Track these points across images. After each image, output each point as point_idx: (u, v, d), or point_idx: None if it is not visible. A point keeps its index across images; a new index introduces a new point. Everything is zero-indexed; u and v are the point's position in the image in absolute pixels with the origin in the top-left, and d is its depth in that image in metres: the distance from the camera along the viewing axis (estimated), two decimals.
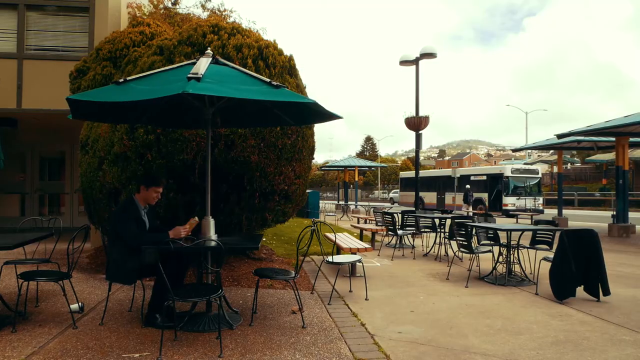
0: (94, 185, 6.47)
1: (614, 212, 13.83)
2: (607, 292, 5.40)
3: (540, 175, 27.29)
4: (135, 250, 4.03)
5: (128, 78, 4.03)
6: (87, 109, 4.28)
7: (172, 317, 4.05)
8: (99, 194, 6.38)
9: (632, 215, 15.94)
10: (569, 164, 48.93)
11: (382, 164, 43.50)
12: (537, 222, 7.58)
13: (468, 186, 25.21)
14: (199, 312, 4.44)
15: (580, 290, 5.53)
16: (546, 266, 5.72)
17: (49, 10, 10.11)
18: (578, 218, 21.98)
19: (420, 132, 13.26)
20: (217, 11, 13.71)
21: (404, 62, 13.42)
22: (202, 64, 3.90)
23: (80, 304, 4.65)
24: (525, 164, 33.76)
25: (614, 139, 13.83)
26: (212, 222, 4.45)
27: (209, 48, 4.76)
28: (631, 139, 14.01)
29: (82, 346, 3.67)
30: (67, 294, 4.43)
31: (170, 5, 12.48)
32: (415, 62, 13.20)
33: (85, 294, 5.37)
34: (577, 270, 5.45)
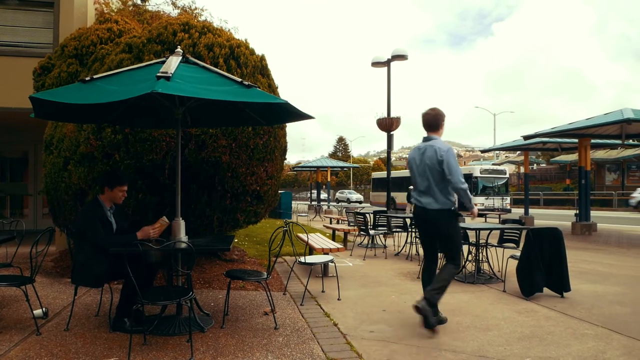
0: (59, 186, 6.28)
1: (577, 211, 14.30)
2: (568, 289, 5.58)
3: (507, 175, 27.99)
4: (102, 253, 3.94)
5: (95, 76, 3.93)
6: (51, 108, 4.15)
7: (141, 321, 3.96)
8: (65, 195, 6.20)
9: (594, 213, 16.55)
10: (534, 165, 50.39)
11: (355, 165, 43.77)
12: (504, 221, 7.78)
13: (411, 187, 26.16)
14: (169, 315, 4.36)
15: (546, 288, 5.70)
16: (513, 264, 5.87)
17: (11, 4, 9.75)
18: (543, 217, 22.64)
19: (391, 132, 13.41)
20: (188, 9, 13.53)
21: (375, 64, 13.55)
22: (172, 63, 3.84)
23: (44, 309, 4.49)
24: (493, 164, 34.58)
25: (576, 140, 14.31)
26: (182, 223, 4.39)
27: (179, 47, 4.69)
28: (593, 141, 14.54)
29: (46, 353, 3.55)
30: (30, 299, 4.28)
31: (139, 2, 12.25)
32: (387, 63, 13.34)
33: (50, 298, 5.20)
34: (543, 267, 5.61)
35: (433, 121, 4.41)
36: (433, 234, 4.45)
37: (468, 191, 4.33)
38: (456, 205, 4.39)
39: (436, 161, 4.24)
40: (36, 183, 12.43)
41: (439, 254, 4.63)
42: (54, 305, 4.94)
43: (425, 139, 4.46)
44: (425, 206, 4.33)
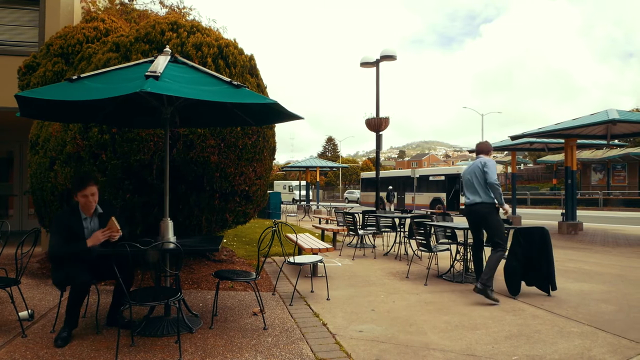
0: (45, 186, 6.20)
1: (564, 211, 14.48)
2: (554, 287, 5.65)
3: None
4: (56, 261, 4.01)
5: (82, 75, 3.89)
6: (37, 106, 4.10)
7: (128, 323, 3.95)
8: (51, 195, 6.12)
9: (580, 213, 16.77)
10: (522, 165, 50.90)
11: (344, 165, 43.83)
12: None
13: (390, 187, 28.77)
14: (158, 316, 4.33)
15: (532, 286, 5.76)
16: (501, 263, 5.92)
17: None
18: (531, 216, 22.88)
19: (380, 133, 13.45)
20: (176, 8, 13.45)
21: (364, 64, 13.58)
22: (161, 62, 3.81)
23: (30, 311, 4.43)
24: None
25: (563, 140, 14.48)
26: (170, 223, 4.36)
27: (167, 46, 4.66)
28: (579, 141, 14.71)
29: (32, 355, 3.50)
30: (15, 301, 4.22)
31: (126, 0, 12.15)
32: (376, 64, 13.38)
33: (36, 300, 5.14)
34: (530, 266, 5.68)
35: (484, 148, 5.92)
36: (479, 223, 5.82)
37: (500, 189, 5.54)
38: (496, 201, 5.57)
39: (480, 167, 5.65)
40: (22, 183, 12.25)
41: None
42: (40, 307, 4.88)
43: (477, 157, 5.93)
44: (472, 201, 5.69)
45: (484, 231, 5.92)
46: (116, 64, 5.71)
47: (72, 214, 4.10)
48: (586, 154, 34.37)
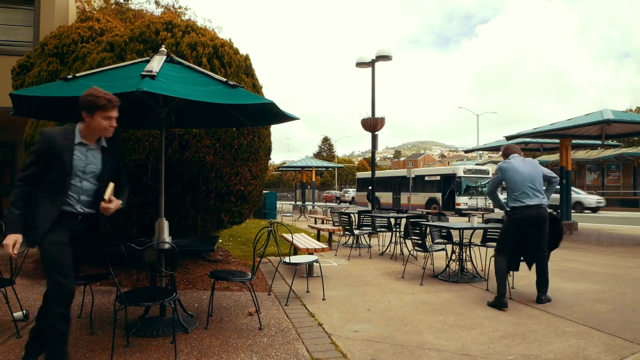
0: None
1: (559, 210, 14.53)
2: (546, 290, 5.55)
3: (490, 175, 28.31)
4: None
5: (77, 74, 3.87)
6: (31, 105, 4.08)
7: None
8: None
9: (575, 213, 16.84)
10: None
11: (339, 165, 43.81)
12: (487, 221, 7.85)
13: (370, 187, 28.88)
14: (153, 317, 4.32)
15: (528, 285, 5.77)
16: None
17: None
18: None
19: (376, 133, 13.46)
20: (171, 8, 13.41)
21: (360, 64, 13.58)
22: (156, 62, 3.81)
23: (24, 311, 4.41)
24: (476, 164, 34.92)
25: (558, 140, 14.54)
26: (166, 224, 4.35)
27: (163, 45, 4.64)
28: (574, 141, 14.77)
29: None
30: (10, 302, 4.20)
31: (121, 0, 12.10)
32: (371, 64, 13.38)
33: (31, 300, 5.11)
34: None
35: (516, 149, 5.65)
36: (539, 229, 5.33)
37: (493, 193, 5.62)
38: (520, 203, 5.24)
39: (540, 166, 5.47)
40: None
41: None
42: (34, 307, 4.84)
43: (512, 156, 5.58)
44: (539, 203, 5.23)
45: (532, 240, 5.33)
46: (110, 63, 5.69)
47: (65, 135, 3.08)
48: (581, 154, 34.54)
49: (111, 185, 3.16)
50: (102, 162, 3.20)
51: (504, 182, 5.47)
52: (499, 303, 5.04)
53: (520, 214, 5.18)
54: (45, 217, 3.00)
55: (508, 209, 5.30)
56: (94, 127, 3.08)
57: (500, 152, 6.00)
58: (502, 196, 5.68)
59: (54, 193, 3.05)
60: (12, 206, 2.92)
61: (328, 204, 40.78)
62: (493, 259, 5.44)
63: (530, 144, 17.11)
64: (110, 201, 3.12)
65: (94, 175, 3.17)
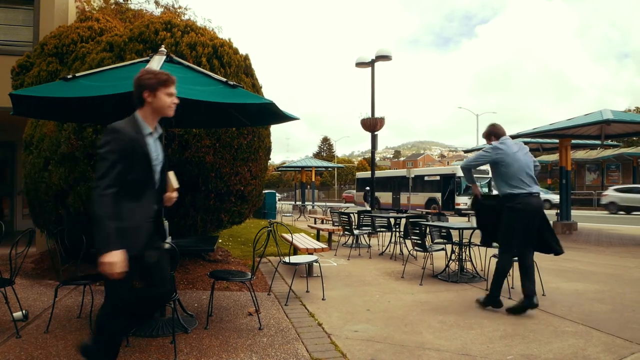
0: (39, 186, 6.17)
1: (558, 210, 14.54)
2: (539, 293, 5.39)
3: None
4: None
5: (77, 74, 3.87)
6: (31, 105, 4.08)
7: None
8: (45, 196, 6.10)
9: (574, 213, 16.84)
10: None
11: (339, 165, 43.83)
12: None
13: (367, 188, 28.62)
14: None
15: None
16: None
17: None
18: None
19: (375, 133, 13.46)
20: (171, 8, 13.41)
21: (360, 64, 13.59)
22: (156, 62, 3.82)
23: (24, 311, 4.41)
24: None
25: (557, 140, 14.53)
26: (165, 224, 4.34)
27: (162, 45, 4.65)
28: (573, 141, 14.77)
29: (26, 356, 3.49)
30: (9, 302, 4.19)
31: (121, 0, 12.10)
32: (371, 64, 13.38)
33: (30, 300, 5.11)
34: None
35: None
36: (538, 219, 4.99)
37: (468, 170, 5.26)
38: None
39: (528, 151, 5.14)
40: (15, 183, 12.18)
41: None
42: (34, 307, 4.85)
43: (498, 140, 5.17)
44: (538, 192, 4.99)
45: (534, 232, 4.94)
46: (110, 63, 5.69)
47: (134, 126, 2.75)
48: (580, 154, 34.52)
49: (172, 174, 3.01)
50: (162, 150, 3.00)
51: (490, 166, 4.95)
52: (492, 302, 4.90)
53: (522, 203, 4.73)
54: (138, 226, 2.71)
55: (505, 198, 4.81)
56: (157, 107, 2.81)
57: (485, 132, 5.16)
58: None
59: (141, 194, 2.73)
60: (106, 219, 2.48)
61: (328, 203, 40.77)
62: (495, 260, 5.11)
63: (530, 144, 17.10)
64: (171, 190, 2.99)
65: (161, 167, 2.94)
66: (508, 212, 4.80)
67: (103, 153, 2.58)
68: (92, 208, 2.54)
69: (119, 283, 2.57)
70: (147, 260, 2.76)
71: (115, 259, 2.45)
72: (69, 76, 3.77)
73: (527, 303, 4.71)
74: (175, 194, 3.05)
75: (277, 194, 50.79)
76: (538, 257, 6.14)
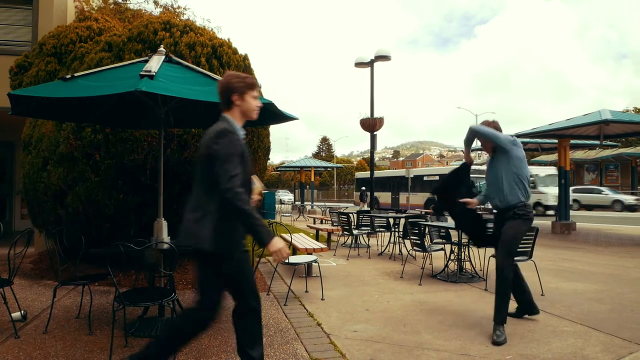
0: (37, 186, 6.16)
1: (557, 210, 14.55)
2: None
3: None
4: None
5: (76, 74, 3.87)
6: (30, 104, 4.08)
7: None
8: (44, 196, 6.09)
9: (573, 212, 16.86)
10: None
11: (338, 165, 43.84)
12: (486, 221, 7.86)
13: (363, 188, 29.03)
14: (151, 317, 4.32)
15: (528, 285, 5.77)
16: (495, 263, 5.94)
17: None
18: None
19: (375, 133, 13.47)
20: (170, 8, 13.40)
21: (359, 64, 13.59)
22: (155, 62, 3.81)
23: (22, 311, 4.41)
24: (475, 164, 34.93)
25: (556, 141, 14.55)
26: (164, 224, 4.35)
27: (161, 45, 4.64)
28: (572, 141, 14.79)
29: (24, 356, 3.48)
30: (8, 302, 4.19)
31: (120, 0, 12.09)
32: (370, 64, 13.39)
33: (29, 301, 5.10)
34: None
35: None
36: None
37: None
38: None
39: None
40: (14, 183, 12.17)
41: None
42: (32, 307, 4.85)
43: None
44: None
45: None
46: (109, 63, 5.69)
47: (235, 132, 2.73)
48: (579, 154, 34.55)
49: (257, 178, 3.05)
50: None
51: (510, 163, 4.26)
52: (528, 310, 4.54)
53: (532, 214, 4.37)
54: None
55: (522, 203, 4.25)
56: (245, 110, 2.83)
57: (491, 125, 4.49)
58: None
59: (247, 194, 2.72)
60: (253, 214, 2.57)
61: (327, 203, 40.73)
62: (498, 266, 4.27)
63: (529, 144, 17.12)
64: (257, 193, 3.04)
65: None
66: (524, 220, 4.24)
67: (225, 154, 2.58)
68: (229, 209, 2.57)
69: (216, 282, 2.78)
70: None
71: (281, 244, 2.58)
72: (68, 76, 3.77)
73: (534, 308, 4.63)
74: (259, 197, 3.09)
75: (288, 193, 49.52)
76: (537, 257, 6.16)
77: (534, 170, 25.82)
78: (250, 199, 2.69)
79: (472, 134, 4.44)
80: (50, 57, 7.04)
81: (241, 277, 2.88)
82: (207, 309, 2.82)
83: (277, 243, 2.57)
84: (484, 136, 4.34)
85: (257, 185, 3.03)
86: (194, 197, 2.75)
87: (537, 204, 24.64)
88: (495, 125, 4.50)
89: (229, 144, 2.61)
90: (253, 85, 2.86)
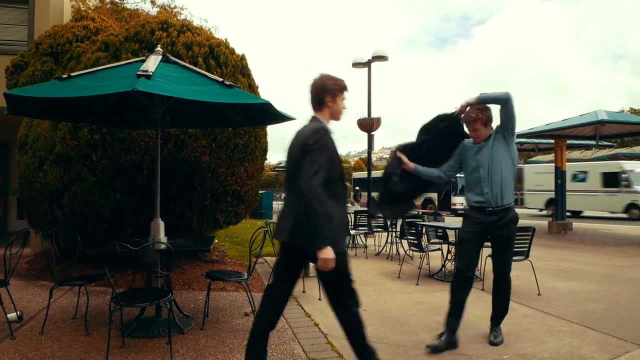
0: (34, 187, 6.13)
1: (554, 210, 14.59)
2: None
3: None
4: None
5: (72, 74, 3.85)
6: (26, 104, 4.06)
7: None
8: (40, 196, 6.06)
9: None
10: None
11: None
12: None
13: (357, 188, 29.39)
14: (148, 317, 4.31)
15: (523, 284, 5.79)
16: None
17: None
18: (521, 216, 23.01)
19: (372, 133, 13.47)
20: (167, 7, 13.39)
21: (356, 64, 13.59)
22: (152, 62, 3.80)
23: (18, 312, 4.39)
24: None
25: (553, 141, 14.60)
26: (161, 224, 4.34)
27: (158, 45, 4.64)
28: (568, 142, 14.84)
29: (20, 357, 3.47)
30: (3, 303, 4.17)
31: None
32: (368, 64, 13.39)
33: (25, 302, 5.08)
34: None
35: None
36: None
37: None
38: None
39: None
40: (10, 184, 12.12)
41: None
42: (28, 308, 4.83)
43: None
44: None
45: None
46: (105, 63, 5.67)
47: (329, 132, 2.86)
48: (576, 155, 34.62)
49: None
50: None
51: (509, 156, 3.77)
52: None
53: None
54: (342, 223, 2.84)
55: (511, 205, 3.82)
56: (335, 111, 2.97)
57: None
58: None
59: (340, 192, 2.86)
60: (328, 215, 2.60)
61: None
62: (488, 258, 4.37)
63: (526, 144, 17.17)
64: None
65: None
66: (515, 224, 3.92)
67: (316, 151, 2.67)
68: (305, 204, 2.62)
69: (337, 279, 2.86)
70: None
71: (331, 255, 2.59)
72: (64, 76, 3.75)
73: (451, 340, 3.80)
74: None
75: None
76: (534, 257, 6.17)
77: (628, 165, 19.89)
78: (331, 200, 2.67)
79: (503, 99, 3.66)
80: (47, 56, 7.01)
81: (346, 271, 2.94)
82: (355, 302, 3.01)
83: (329, 252, 2.59)
84: (511, 110, 3.68)
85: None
86: (296, 198, 2.77)
87: (632, 205, 19.39)
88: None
89: (324, 144, 2.73)
90: (345, 88, 2.99)
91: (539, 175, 23.26)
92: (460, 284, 3.87)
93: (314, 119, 2.93)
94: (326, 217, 2.58)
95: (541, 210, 23.64)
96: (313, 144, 2.68)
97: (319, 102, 2.92)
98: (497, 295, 3.99)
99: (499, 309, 4.01)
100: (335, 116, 2.99)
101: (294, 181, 2.76)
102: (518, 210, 4.07)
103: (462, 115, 3.84)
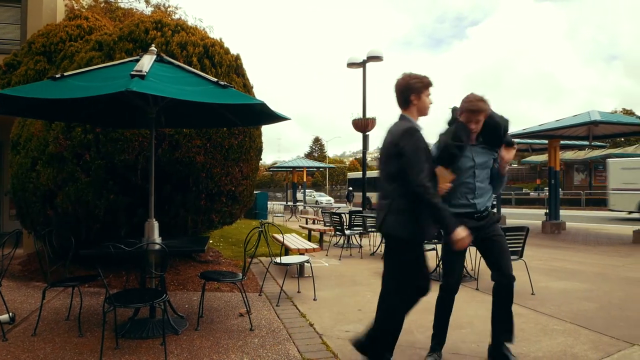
0: (26, 187, 6.09)
1: (547, 210, 14.67)
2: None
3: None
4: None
5: (66, 74, 3.83)
6: (18, 103, 4.03)
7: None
8: (33, 196, 6.02)
9: (563, 212, 16.99)
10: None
11: (330, 165, 43.84)
12: None
13: (350, 188, 29.93)
14: (142, 318, 4.29)
15: (517, 284, 5.80)
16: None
17: None
18: (515, 216, 23.13)
19: (367, 133, 13.49)
20: (161, 7, 13.34)
21: (351, 65, 13.60)
22: (146, 61, 3.78)
23: (10, 314, 4.35)
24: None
25: (546, 141, 14.68)
26: (155, 224, 4.32)
27: (152, 45, 4.62)
28: (562, 142, 14.92)
29: (12, 359, 3.44)
30: None
31: None
32: (362, 64, 13.41)
33: (17, 303, 5.04)
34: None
35: None
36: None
37: None
38: None
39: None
40: (2, 184, 12.03)
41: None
42: (21, 309, 4.79)
43: None
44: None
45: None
46: (99, 62, 5.64)
47: (419, 130, 3.03)
48: (569, 155, 34.86)
49: (443, 168, 3.23)
50: None
51: (493, 160, 3.55)
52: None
53: None
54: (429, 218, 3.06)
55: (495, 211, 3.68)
56: (421, 108, 3.11)
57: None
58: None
59: (435, 185, 3.07)
60: (440, 210, 2.92)
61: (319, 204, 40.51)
62: (510, 277, 3.62)
63: (520, 144, 17.25)
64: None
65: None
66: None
67: (413, 151, 2.90)
68: (419, 201, 2.91)
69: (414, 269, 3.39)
70: None
71: (464, 234, 2.95)
72: (58, 75, 3.73)
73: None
74: (449, 186, 3.21)
75: (324, 195, 46.69)
76: (527, 256, 6.20)
77: None
78: (436, 190, 3.00)
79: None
80: (40, 55, 6.97)
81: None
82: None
83: (460, 232, 2.91)
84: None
85: (447, 174, 3.18)
86: (385, 191, 3.12)
87: None
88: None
89: (417, 142, 2.92)
90: (430, 84, 3.13)
91: (628, 171, 19.70)
92: (447, 304, 3.77)
93: (402, 117, 3.11)
94: (440, 206, 2.89)
95: (630, 212, 19.81)
96: (406, 147, 2.89)
97: (405, 101, 3.09)
98: (504, 303, 3.55)
99: (507, 321, 3.52)
100: (423, 112, 3.14)
101: (388, 176, 3.04)
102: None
103: (466, 105, 3.40)
